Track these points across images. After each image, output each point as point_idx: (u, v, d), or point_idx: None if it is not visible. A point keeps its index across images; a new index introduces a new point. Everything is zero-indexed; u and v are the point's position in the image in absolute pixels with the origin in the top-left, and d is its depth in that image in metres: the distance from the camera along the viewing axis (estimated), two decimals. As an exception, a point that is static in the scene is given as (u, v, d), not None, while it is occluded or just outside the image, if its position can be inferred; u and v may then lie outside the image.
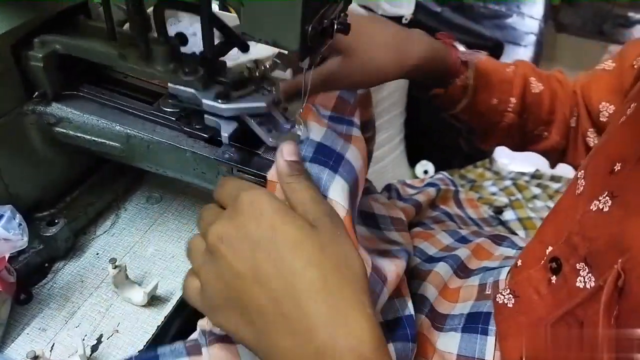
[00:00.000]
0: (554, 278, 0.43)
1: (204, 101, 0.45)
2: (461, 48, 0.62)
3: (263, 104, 0.45)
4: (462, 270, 0.59)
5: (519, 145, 0.69)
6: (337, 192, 0.41)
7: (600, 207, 0.39)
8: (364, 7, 1.35)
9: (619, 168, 0.40)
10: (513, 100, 0.63)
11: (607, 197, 0.39)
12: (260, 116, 0.46)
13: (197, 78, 0.45)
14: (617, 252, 0.36)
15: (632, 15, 2.37)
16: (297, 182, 0.36)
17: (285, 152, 0.38)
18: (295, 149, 0.38)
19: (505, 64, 0.66)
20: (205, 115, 0.46)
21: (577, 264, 0.40)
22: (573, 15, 2.36)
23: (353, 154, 0.44)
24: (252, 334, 0.32)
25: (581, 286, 0.39)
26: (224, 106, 0.44)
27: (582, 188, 0.45)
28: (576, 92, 0.65)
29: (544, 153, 0.69)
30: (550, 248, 0.45)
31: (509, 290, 0.47)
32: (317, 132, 0.45)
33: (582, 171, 0.46)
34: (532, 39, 1.74)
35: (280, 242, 0.32)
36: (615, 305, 0.34)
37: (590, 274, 0.38)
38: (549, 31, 2.14)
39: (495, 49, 1.51)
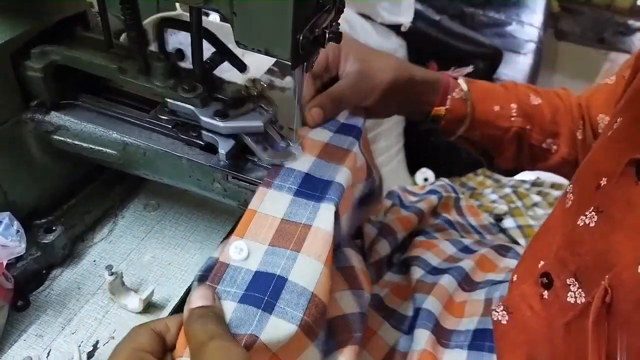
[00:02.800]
0: (545, 293, 0.43)
1: (202, 118, 0.46)
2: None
3: (261, 124, 0.45)
4: (467, 283, 0.58)
5: (531, 161, 0.68)
6: (323, 219, 0.42)
7: (587, 222, 0.40)
8: (364, 15, 1.36)
9: (604, 183, 0.40)
10: (514, 106, 0.63)
11: (593, 212, 0.39)
12: (257, 134, 0.46)
13: (195, 95, 0.45)
14: (604, 268, 0.36)
15: (632, 22, 2.37)
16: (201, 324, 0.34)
17: (194, 298, 0.36)
18: (206, 293, 0.37)
19: (493, 83, 0.67)
20: (203, 132, 0.47)
21: (568, 279, 0.40)
22: (573, 23, 2.37)
23: (344, 176, 0.46)
24: None
25: (572, 301, 0.39)
26: (222, 124, 0.45)
27: (570, 202, 0.45)
28: (581, 104, 0.65)
29: (557, 169, 0.69)
30: (541, 263, 0.45)
31: (502, 307, 0.47)
32: (306, 162, 0.46)
33: (571, 185, 0.46)
34: (531, 47, 1.74)
35: None
36: (604, 321, 0.34)
37: (580, 290, 0.38)
38: (549, 39, 2.15)
39: (495, 57, 1.52)
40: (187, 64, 0.50)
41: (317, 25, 0.38)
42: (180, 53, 0.50)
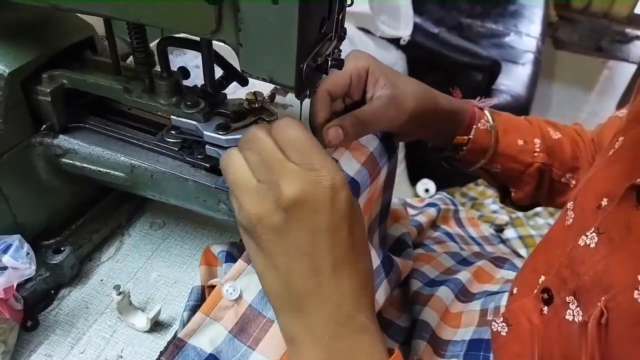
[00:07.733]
0: (545, 308, 0.44)
1: (205, 133, 0.47)
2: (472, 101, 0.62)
3: None
4: (463, 295, 0.59)
5: (549, 196, 0.66)
6: None
7: (587, 243, 0.40)
8: (363, 29, 1.38)
9: (605, 203, 0.41)
10: (537, 141, 0.62)
11: (594, 233, 0.40)
12: None
13: (198, 111, 0.47)
14: (602, 289, 0.36)
15: (630, 31, 2.39)
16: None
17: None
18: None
19: (517, 117, 0.65)
20: (207, 146, 0.48)
21: (567, 297, 0.40)
22: (571, 32, 2.39)
23: None
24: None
25: (570, 319, 0.39)
26: (224, 137, 0.46)
27: (571, 220, 0.45)
28: (594, 139, 0.65)
29: None
30: (542, 278, 0.46)
31: (502, 319, 0.48)
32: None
33: (572, 202, 0.47)
34: (530, 57, 1.76)
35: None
36: (601, 340, 0.35)
37: (578, 309, 0.39)
38: (547, 48, 2.17)
39: (493, 68, 1.53)
40: (190, 82, 0.51)
41: (320, 53, 0.39)
42: (184, 71, 0.51)
